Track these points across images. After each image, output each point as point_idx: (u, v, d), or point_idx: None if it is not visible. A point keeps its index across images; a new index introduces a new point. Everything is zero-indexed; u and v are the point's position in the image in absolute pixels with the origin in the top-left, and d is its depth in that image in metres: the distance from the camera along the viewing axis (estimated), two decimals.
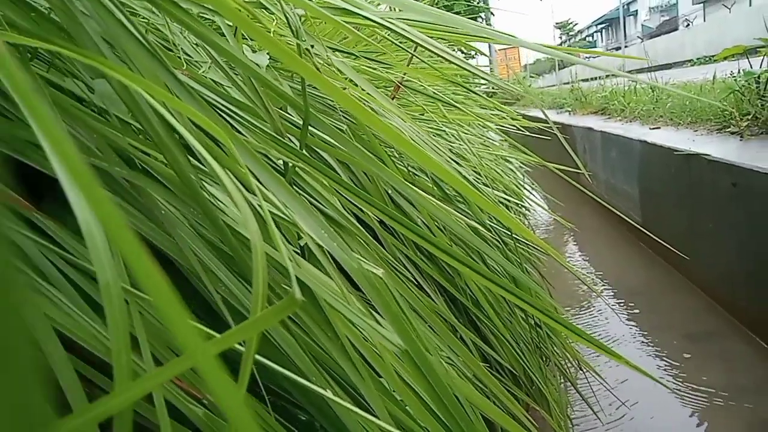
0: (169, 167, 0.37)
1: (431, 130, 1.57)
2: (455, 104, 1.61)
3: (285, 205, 0.41)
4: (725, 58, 2.84)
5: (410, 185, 0.70)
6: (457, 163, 1.25)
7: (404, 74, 1.37)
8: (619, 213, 2.92)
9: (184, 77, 0.42)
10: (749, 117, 2.34)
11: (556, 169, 1.66)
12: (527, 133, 2.49)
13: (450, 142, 1.70)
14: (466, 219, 1.13)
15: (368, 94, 0.85)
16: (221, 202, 0.41)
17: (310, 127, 0.64)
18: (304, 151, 0.50)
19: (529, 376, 1.18)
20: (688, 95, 2.92)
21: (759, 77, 2.38)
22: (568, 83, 7.33)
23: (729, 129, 2.47)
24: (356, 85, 0.79)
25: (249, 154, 0.37)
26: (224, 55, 0.54)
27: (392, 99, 1.32)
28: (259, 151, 0.55)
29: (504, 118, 2.33)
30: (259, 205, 0.32)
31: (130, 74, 0.30)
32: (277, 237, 0.24)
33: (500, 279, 0.56)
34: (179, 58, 0.49)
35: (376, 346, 0.39)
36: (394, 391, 0.42)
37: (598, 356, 1.97)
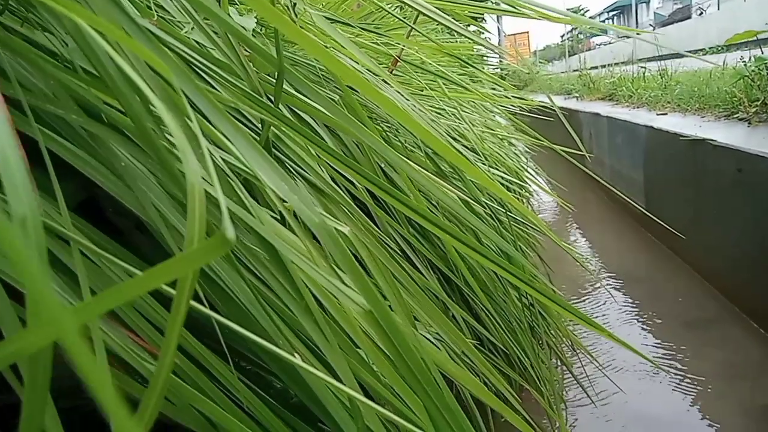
0: (127, 116, 0.35)
1: (431, 107, 1.55)
2: (457, 82, 1.58)
3: (252, 163, 0.39)
4: (737, 47, 2.79)
5: (403, 158, 0.68)
6: (455, 140, 1.23)
7: (403, 48, 1.34)
8: (623, 197, 2.89)
9: (149, 24, 0.40)
10: (758, 103, 2.29)
11: (561, 152, 1.64)
12: (534, 116, 2.46)
13: (450, 120, 1.68)
14: (461, 194, 1.11)
15: (362, 62, 0.82)
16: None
17: (299, 95, 0.62)
18: (280, 108, 0.49)
19: (521, 356, 1.17)
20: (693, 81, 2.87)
21: None
22: (577, 70, 7.24)
23: (737, 115, 2.43)
24: (348, 53, 0.77)
25: (210, 103, 0.35)
26: (206, 13, 0.52)
27: (389, 73, 1.30)
28: (234, 108, 0.54)
29: (508, 98, 2.29)
30: (211, 153, 0.30)
31: (79, 9, 0.29)
32: (213, 172, 0.22)
33: (490, 252, 0.55)
34: (149, 8, 0.47)
35: (345, 309, 0.37)
36: (364, 357, 0.40)
37: (592, 343, 1.96)
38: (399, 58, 1.30)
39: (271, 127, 0.55)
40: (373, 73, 0.79)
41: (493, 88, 2.60)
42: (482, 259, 0.54)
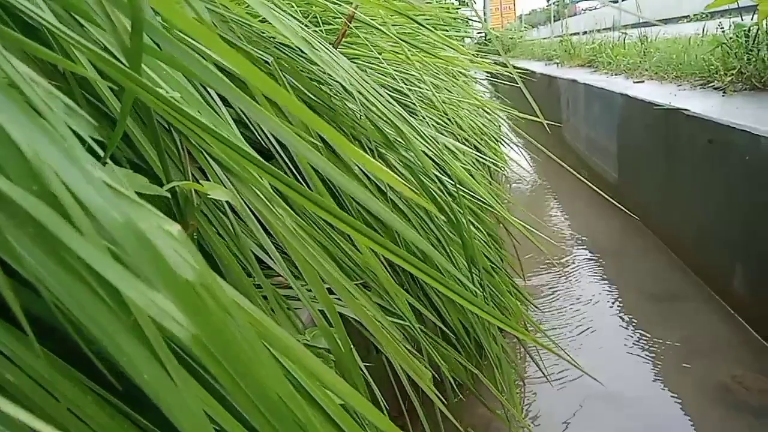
0: None
1: (387, 72, 1.45)
2: (418, 46, 1.48)
3: None
4: (721, 14, 2.71)
5: (297, 136, 0.60)
6: (406, 106, 1.14)
7: (356, 7, 1.23)
8: (599, 169, 2.84)
9: None
10: (734, 72, 2.23)
11: (539, 122, 1.56)
12: (514, 85, 2.37)
13: (415, 86, 1.59)
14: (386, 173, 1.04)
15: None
16: None
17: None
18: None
19: (473, 337, 1.11)
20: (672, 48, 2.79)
21: (749, 30, 2.25)
22: (560, 36, 7.10)
23: (713, 84, 2.37)
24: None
25: None
26: None
27: (341, 36, 1.20)
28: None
29: (477, 63, 2.19)
30: None
31: None
32: None
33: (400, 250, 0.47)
34: None
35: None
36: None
37: (552, 319, 1.93)
38: (352, 17, 1.20)
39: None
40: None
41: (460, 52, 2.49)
42: (393, 257, 0.46)
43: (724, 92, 2.19)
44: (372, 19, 1.45)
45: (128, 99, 0.43)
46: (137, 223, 0.28)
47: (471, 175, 1.73)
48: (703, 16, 3.73)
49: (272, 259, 0.66)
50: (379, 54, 1.45)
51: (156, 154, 0.53)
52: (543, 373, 1.33)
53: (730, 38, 2.30)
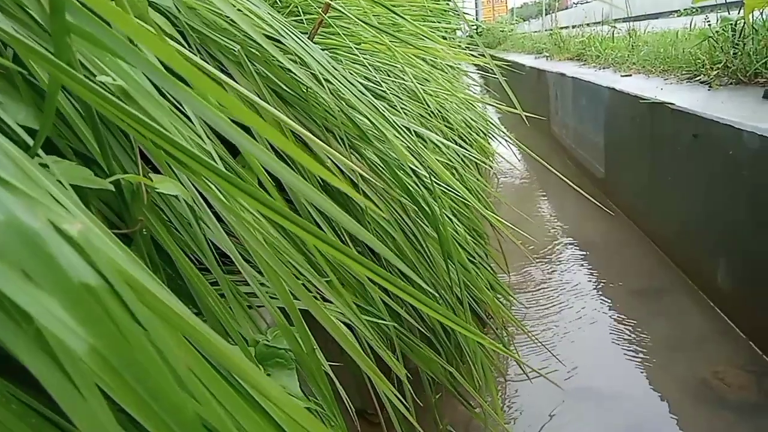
0: None
1: (367, 63, 1.42)
2: (399, 37, 1.45)
3: None
4: (711, 9, 2.69)
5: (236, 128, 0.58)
6: (383, 98, 1.11)
7: None
8: (587, 164, 2.83)
9: None
10: (720, 65, 2.22)
11: (528, 115, 1.54)
12: (504, 78, 2.35)
13: (398, 79, 1.56)
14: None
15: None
16: None
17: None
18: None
19: (450, 334, 1.09)
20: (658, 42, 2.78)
21: (735, 24, 2.24)
22: (551, 29, 7.07)
23: (699, 78, 2.35)
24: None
25: None
26: None
27: (317, 26, 1.17)
28: None
29: (461, 55, 2.17)
30: None
31: None
32: None
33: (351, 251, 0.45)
34: None
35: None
36: None
37: (534, 317, 1.91)
38: (326, 11, 1.17)
39: None
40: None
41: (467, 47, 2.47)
42: (346, 259, 0.43)
43: (710, 86, 2.18)
44: (356, 9, 1.42)
45: (53, 87, 0.40)
46: (25, 222, 0.25)
47: (455, 169, 1.71)
48: (694, 10, 3.72)
49: (233, 255, 0.63)
50: (358, 44, 1.42)
51: (96, 145, 0.50)
52: (522, 370, 1.32)
53: (717, 32, 2.29)
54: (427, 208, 1.03)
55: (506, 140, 2.67)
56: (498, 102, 2.42)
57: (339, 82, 0.91)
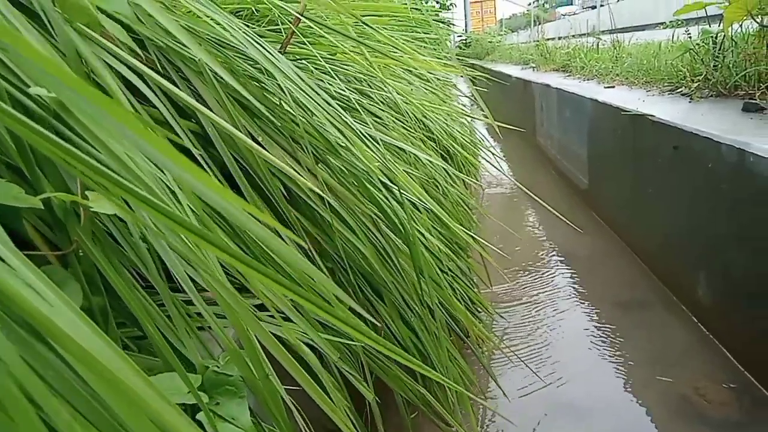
0: None
1: (345, 73, 1.40)
2: (376, 48, 1.42)
3: None
4: (695, 21, 2.71)
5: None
6: (353, 111, 1.08)
7: (305, 6, 1.18)
8: (570, 175, 2.82)
9: None
10: (701, 78, 2.22)
11: (514, 126, 1.52)
12: (486, 90, 2.33)
13: (377, 89, 1.54)
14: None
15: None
16: None
17: None
18: None
19: (424, 352, 1.06)
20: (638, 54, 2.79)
21: (716, 36, 2.25)
22: (538, 40, 7.11)
23: (680, 90, 2.36)
24: None
25: None
26: None
27: (289, 37, 1.14)
28: None
29: (445, 65, 2.15)
30: None
31: None
32: None
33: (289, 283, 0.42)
34: None
35: None
36: None
37: (513, 332, 1.89)
38: (297, 23, 1.14)
39: None
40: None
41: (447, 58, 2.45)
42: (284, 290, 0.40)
43: (691, 98, 2.17)
44: (334, 21, 1.39)
45: None
46: None
47: (435, 181, 1.68)
48: (679, 23, 3.74)
49: (176, 271, 0.60)
50: (333, 55, 1.39)
51: (23, 162, 0.47)
52: (500, 388, 1.29)
53: (697, 45, 2.30)
54: (397, 222, 1.00)
55: (492, 153, 2.66)
56: (485, 114, 2.42)
57: (303, 92, 0.88)
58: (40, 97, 0.51)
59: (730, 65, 2.08)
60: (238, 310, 0.55)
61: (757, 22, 1.97)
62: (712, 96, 2.14)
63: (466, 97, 4.22)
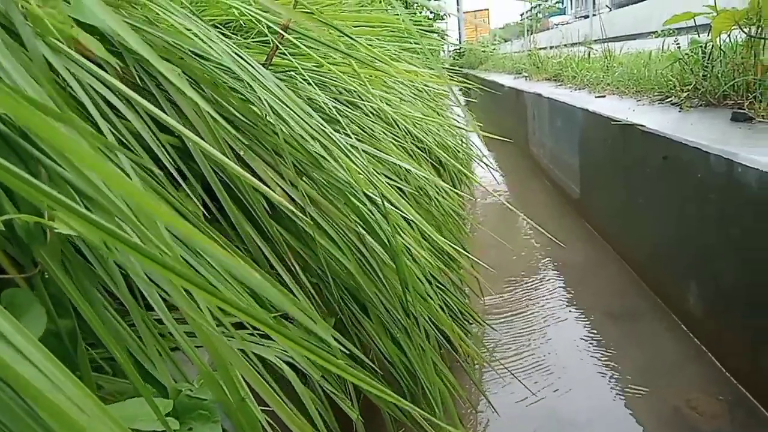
0: None
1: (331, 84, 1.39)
2: (361, 59, 1.41)
3: None
4: (687, 30, 2.71)
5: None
6: (334, 124, 1.07)
7: (289, 20, 1.17)
8: (563, 184, 2.81)
9: None
10: (690, 87, 2.23)
11: (508, 135, 1.52)
12: (474, 100, 2.33)
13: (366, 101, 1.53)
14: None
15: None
16: None
17: None
18: None
19: (409, 368, 1.05)
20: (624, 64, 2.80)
21: (705, 46, 2.25)
22: (540, 48, 7.14)
23: (670, 99, 2.36)
24: None
25: None
26: None
27: (273, 52, 1.13)
28: None
29: (435, 76, 2.15)
30: None
31: None
32: None
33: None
34: None
35: None
36: None
37: (503, 344, 1.87)
38: (282, 37, 1.13)
39: None
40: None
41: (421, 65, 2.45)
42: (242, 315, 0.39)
43: (680, 108, 2.18)
44: (316, 33, 1.38)
45: None
46: None
47: (425, 193, 1.67)
48: (672, 32, 3.76)
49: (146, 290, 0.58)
50: (320, 66, 1.38)
51: None
52: (487, 399, 1.27)
53: (686, 54, 2.30)
54: (382, 235, 0.99)
55: (485, 163, 2.66)
56: (478, 122, 2.41)
57: (283, 104, 0.87)
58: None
59: (719, 75, 2.09)
60: (208, 328, 0.54)
61: (745, 32, 1.98)
62: (701, 105, 2.15)
63: (459, 107, 4.23)
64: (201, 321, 0.51)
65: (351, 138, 1.02)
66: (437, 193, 1.76)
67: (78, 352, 0.54)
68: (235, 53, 0.90)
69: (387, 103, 1.70)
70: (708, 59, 2.17)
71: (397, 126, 1.68)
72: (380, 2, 2.67)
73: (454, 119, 3.09)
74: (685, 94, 2.22)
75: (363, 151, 1.04)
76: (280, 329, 0.35)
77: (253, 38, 1.31)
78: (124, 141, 0.73)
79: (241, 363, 0.52)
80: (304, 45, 1.25)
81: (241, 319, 0.33)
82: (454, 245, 1.32)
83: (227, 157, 0.87)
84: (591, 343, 1.80)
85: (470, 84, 2.86)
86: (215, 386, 0.56)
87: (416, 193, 1.59)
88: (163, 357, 0.59)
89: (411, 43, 2.66)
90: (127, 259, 0.57)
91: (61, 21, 0.65)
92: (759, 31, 1.95)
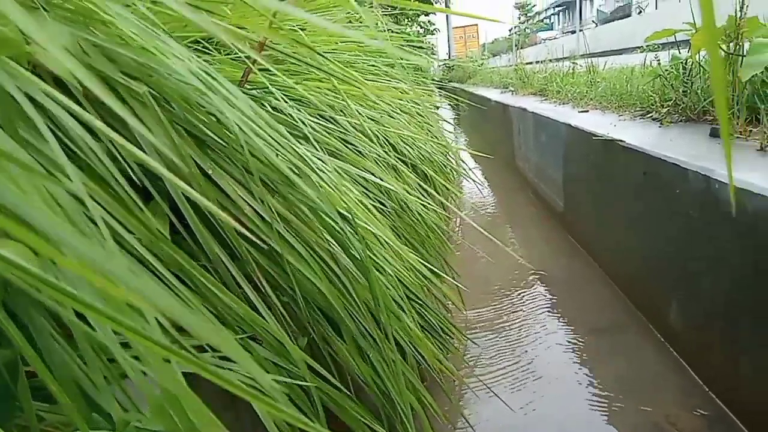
0: None
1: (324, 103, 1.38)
2: (342, 78, 1.41)
3: None
4: (670, 46, 2.74)
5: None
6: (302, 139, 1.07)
7: (265, 38, 1.16)
8: (546, 199, 2.81)
9: None
10: (670, 103, 2.24)
11: (496, 149, 1.50)
12: (461, 114, 2.33)
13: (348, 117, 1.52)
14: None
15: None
16: None
17: None
18: None
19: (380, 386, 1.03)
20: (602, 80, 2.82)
21: (685, 62, 2.28)
22: (526, 63, 7.21)
23: (651, 115, 2.38)
24: None
25: None
26: None
27: (247, 74, 1.13)
28: None
29: (419, 91, 2.15)
30: None
31: None
32: None
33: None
34: None
35: None
36: None
37: (481, 357, 1.86)
38: (263, 45, 1.12)
39: None
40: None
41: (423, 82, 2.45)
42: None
43: (661, 123, 2.19)
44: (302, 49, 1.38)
45: None
46: None
47: (408, 208, 1.66)
48: (657, 47, 3.81)
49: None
50: (298, 82, 1.38)
51: None
52: (465, 419, 1.25)
53: (667, 70, 2.32)
54: (354, 252, 0.98)
55: (471, 178, 2.66)
56: (466, 136, 2.40)
57: (253, 122, 0.86)
58: None
59: (698, 91, 2.11)
60: (152, 352, 0.52)
61: (723, 50, 2.00)
62: (681, 121, 2.16)
63: (447, 121, 4.24)
64: (146, 344, 0.49)
65: (323, 155, 1.01)
66: (421, 208, 1.75)
67: (19, 383, 0.52)
68: (204, 71, 0.88)
69: (371, 119, 1.70)
70: (688, 75, 2.19)
71: (381, 142, 1.67)
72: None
73: (443, 134, 3.10)
74: (666, 110, 2.24)
75: (336, 168, 1.03)
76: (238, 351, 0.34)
77: (235, 54, 1.30)
78: (89, 161, 0.71)
79: (185, 391, 0.51)
80: (282, 65, 1.24)
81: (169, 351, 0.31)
82: (431, 261, 1.31)
83: (194, 173, 0.86)
84: (573, 358, 1.79)
85: (459, 98, 2.86)
86: (164, 415, 0.54)
87: (399, 209, 1.58)
88: (112, 384, 0.57)
89: (399, 59, 2.67)
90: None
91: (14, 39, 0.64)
92: (736, 48, 1.97)
